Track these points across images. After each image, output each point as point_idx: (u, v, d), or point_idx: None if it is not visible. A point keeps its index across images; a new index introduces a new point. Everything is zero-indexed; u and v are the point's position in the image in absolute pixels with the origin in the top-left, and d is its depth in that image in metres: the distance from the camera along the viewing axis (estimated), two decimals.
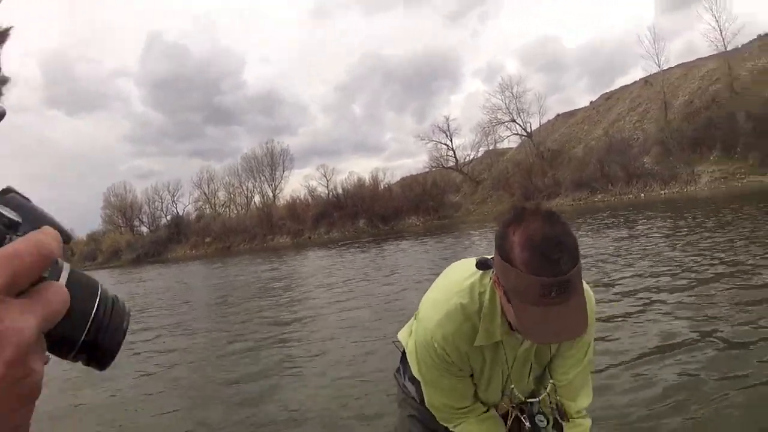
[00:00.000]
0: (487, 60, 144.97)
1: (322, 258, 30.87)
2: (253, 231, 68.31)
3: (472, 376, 2.18)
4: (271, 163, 77.79)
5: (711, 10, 53.65)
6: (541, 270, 1.63)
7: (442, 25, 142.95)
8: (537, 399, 2.26)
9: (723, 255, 12.20)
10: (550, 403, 2.26)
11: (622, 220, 26.55)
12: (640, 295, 9.64)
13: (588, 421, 2.28)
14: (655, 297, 9.30)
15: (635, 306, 8.86)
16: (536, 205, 1.76)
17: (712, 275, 10.26)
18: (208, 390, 7.50)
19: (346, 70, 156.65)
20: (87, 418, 6.90)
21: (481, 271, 2.01)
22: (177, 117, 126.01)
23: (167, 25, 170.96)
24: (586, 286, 1.89)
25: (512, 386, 2.22)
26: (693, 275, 10.56)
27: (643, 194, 48.72)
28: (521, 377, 2.22)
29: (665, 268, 11.77)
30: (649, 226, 22.16)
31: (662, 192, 48.02)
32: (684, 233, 17.59)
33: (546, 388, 2.26)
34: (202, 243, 71.82)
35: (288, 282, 20.21)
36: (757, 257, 11.29)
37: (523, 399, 2.28)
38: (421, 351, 2.11)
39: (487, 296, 1.96)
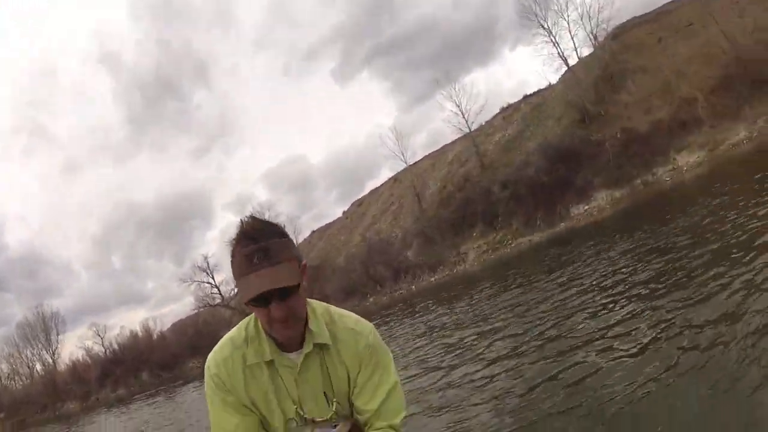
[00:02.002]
0: (236, 191, 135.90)
1: (116, 422, 28.38)
2: (41, 401, 61.10)
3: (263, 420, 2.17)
4: (44, 329, 70.44)
5: (451, 97, 52.07)
6: (244, 244, 1.87)
7: (189, 164, 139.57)
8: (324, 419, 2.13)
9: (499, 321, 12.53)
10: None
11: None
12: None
13: None
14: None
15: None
16: None
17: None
18: None
19: (101, 222, 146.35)
20: None
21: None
22: None
23: None
24: (368, 325, 2.15)
25: (302, 413, 2.12)
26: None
27: (413, 286, 45.14)
28: (319, 410, 2.13)
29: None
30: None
31: (432, 279, 44.71)
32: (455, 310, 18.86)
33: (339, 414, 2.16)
34: None
35: None
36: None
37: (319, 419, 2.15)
38: (206, 391, 2.14)
39: (251, 323, 2.08)
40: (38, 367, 70.47)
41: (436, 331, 15.65)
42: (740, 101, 32.20)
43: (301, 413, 2.08)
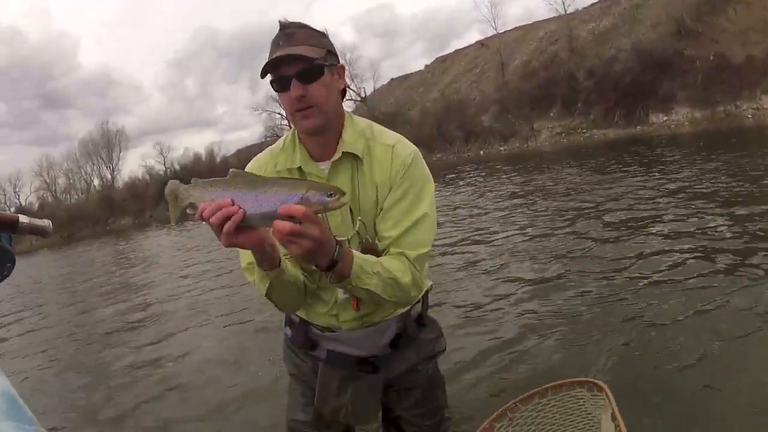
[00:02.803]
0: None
1: (170, 238, 28.46)
2: (95, 215, 62.77)
3: None
4: (107, 145, 71.81)
5: None
6: (276, 35, 1.85)
7: None
8: (345, 238, 1.87)
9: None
10: (360, 241, 1.93)
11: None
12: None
13: (404, 261, 1.87)
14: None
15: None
16: None
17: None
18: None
19: (180, 44, 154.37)
20: None
21: None
22: (14, 105, 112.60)
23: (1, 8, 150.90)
24: (411, 147, 1.97)
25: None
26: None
27: (482, 152, 47.01)
28: (344, 228, 1.94)
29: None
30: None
31: (501, 148, 46.42)
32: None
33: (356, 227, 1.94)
34: None
35: (143, 269, 17.62)
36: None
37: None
38: None
39: (291, 133, 2.01)
40: (96, 183, 72.31)
41: (512, 197, 16.11)
42: None
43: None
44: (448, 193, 19.82)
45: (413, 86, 69.37)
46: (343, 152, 1.89)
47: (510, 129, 48.06)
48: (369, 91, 66.46)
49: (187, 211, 1.58)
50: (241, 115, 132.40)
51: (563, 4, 52.51)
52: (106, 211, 62.83)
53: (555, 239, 9.37)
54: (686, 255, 7.00)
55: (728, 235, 7.73)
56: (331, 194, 1.50)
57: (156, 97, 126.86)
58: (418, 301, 2.15)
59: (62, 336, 9.76)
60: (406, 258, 1.86)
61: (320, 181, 1.77)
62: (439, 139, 50.37)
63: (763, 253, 6.55)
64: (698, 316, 5.07)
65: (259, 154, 2.08)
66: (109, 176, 71.74)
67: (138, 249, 26.89)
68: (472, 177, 25.69)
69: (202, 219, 1.52)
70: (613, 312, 5.55)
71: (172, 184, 1.61)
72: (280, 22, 1.87)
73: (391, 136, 1.98)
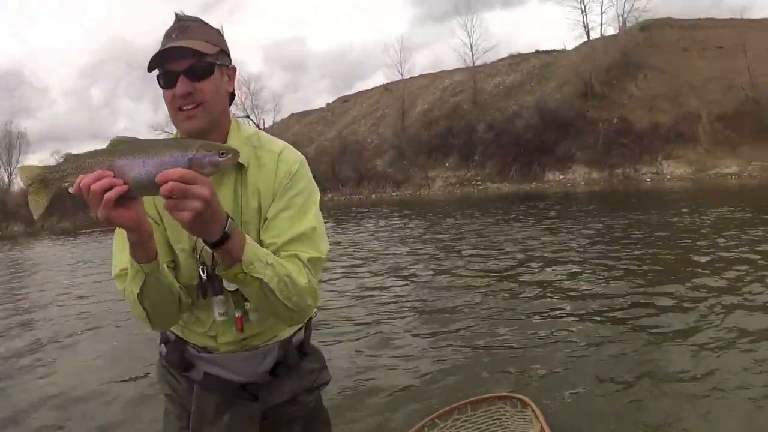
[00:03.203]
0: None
1: (61, 250, 27.42)
2: None
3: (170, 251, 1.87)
4: (8, 147, 67.94)
5: (465, 27, 52.39)
6: (170, 26, 1.72)
7: (192, 13, 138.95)
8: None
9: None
10: None
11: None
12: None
13: (296, 265, 1.71)
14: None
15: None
16: None
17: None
18: None
19: (91, 53, 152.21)
20: None
21: None
22: None
23: None
24: (298, 155, 1.87)
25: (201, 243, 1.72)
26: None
27: (374, 195, 45.97)
28: None
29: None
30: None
31: (394, 194, 45.40)
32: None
33: None
34: None
35: (33, 277, 17.08)
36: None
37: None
38: None
39: (171, 138, 1.82)
40: None
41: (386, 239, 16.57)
42: (742, 138, 33.30)
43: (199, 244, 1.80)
44: (339, 232, 20.02)
45: (312, 123, 67.89)
46: None
47: (404, 175, 47.35)
48: (268, 123, 65.27)
49: (69, 190, 1.39)
50: (141, 133, 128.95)
51: (472, 56, 51.76)
52: (0, 215, 58.89)
53: (448, 276, 9.85)
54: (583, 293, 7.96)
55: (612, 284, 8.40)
56: (222, 153, 1.43)
57: (61, 102, 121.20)
58: (301, 329, 2.02)
59: None
60: (299, 260, 1.72)
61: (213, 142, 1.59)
62: (332, 179, 49.16)
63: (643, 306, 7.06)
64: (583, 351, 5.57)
65: None
66: (5, 180, 67.49)
67: (30, 257, 26.08)
68: (363, 218, 25.90)
69: (79, 191, 1.36)
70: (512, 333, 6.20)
71: (28, 169, 1.46)
72: (176, 13, 1.78)
73: (277, 143, 1.88)
